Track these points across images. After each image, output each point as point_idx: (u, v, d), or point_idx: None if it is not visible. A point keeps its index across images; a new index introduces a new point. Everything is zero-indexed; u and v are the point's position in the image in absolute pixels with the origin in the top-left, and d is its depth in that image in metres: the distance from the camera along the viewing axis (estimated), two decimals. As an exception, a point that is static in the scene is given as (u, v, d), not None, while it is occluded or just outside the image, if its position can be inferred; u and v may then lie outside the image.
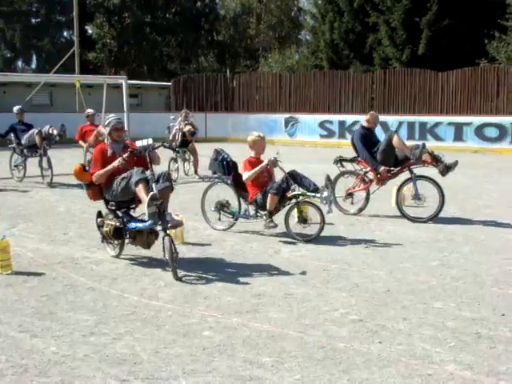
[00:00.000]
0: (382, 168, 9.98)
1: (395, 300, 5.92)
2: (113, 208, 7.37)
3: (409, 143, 10.37)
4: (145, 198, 6.78)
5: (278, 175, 8.81)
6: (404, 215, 9.85)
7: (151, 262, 7.37)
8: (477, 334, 5.03)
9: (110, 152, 7.44)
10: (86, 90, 25.57)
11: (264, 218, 8.67)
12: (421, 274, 6.84)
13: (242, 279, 6.58)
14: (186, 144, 15.67)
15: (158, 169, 7.45)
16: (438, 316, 5.46)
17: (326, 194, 8.26)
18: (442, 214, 9.63)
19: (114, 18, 51.13)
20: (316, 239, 8.36)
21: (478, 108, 26.46)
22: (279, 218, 8.65)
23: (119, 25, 51.05)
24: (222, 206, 9.02)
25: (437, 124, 25.08)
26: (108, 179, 7.29)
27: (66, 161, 18.68)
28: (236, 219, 9.01)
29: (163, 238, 6.73)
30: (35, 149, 14.65)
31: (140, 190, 6.88)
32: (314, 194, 8.40)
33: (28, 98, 20.57)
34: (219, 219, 9.08)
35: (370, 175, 10.28)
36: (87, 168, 7.58)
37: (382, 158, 9.97)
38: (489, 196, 9.43)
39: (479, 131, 24.20)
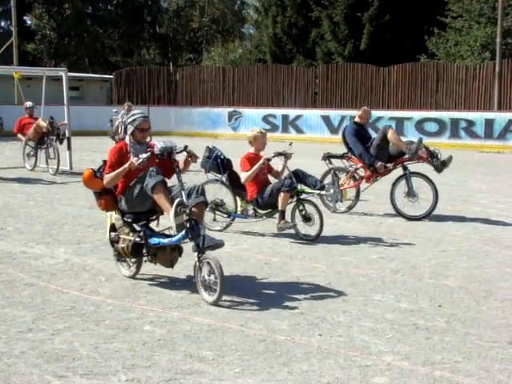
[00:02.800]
0: (379, 163, 9.65)
1: (336, 293, 5.98)
2: (129, 220, 6.29)
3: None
4: (167, 206, 5.76)
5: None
6: (399, 213, 9.62)
7: (91, 257, 7.26)
8: (414, 325, 5.13)
9: (131, 155, 6.18)
10: (25, 82, 25.01)
11: (263, 218, 8.38)
12: (361, 267, 6.93)
13: (183, 273, 6.55)
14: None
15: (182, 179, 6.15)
16: (377, 308, 5.54)
17: (332, 191, 8.02)
18: (383, 208, 9.76)
19: (53, 9, 50.15)
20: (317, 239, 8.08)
21: (418, 103, 26.97)
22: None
23: (59, 16, 50.10)
24: (216, 206, 8.53)
25: (378, 118, 25.40)
26: (124, 186, 6.21)
27: (5, 154, 18.34)
28: (233, 219, 8.59)
29: (199, 261, 5.63)
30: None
31: (160, 197, 5.81)
32: (318, 192, 8.17)
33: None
34: (214, 219, 8.61)
35: (361, 172, 10.04)
36: (98, 174, 6.38)
37: (375, 152, 9.71)
38: (428, 190, 9.60)
39: (419, 126, 24.67)
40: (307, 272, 6.69)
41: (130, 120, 6.34)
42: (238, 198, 8.53)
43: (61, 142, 15.12)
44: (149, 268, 6.55)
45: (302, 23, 34.19)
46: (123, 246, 6.16)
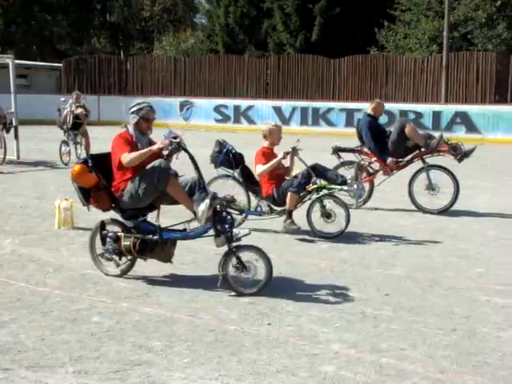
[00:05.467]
0: (390, 159, 9.47)
1: (286, 282, 6.02)
2: (126, 217, 5.98)
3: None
4: (189, 202, 5.66)
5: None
6: (417, 207, 9.48)
7: (39, 248, 7.15)
8: (362, 313, 5.20)
9: (138, 145, 5.92)
10: (-29, 69, 24.41)
11: (279, 215, 8.04)
12: (311, 257, 6.99)
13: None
14: (77, 127, 15.28)
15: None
16: (325, 297, 5.61)
17: (355, 186, 7.75)
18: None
19: (-1, -5, 48.97)
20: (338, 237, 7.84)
21: (368, 94, 27.21)
22: (298, 213, 8.09)
23: (5, 2, 48.88)
24: (227, 203, 8.35)
25: (329, 110, 25.60)
26: (127, 181, 5.85)
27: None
28: (246, 216, 8.12)
29: (227, 254, 5.57)
30: None
31: (179, 193, 5.69)
32: (341, 187, 7.85)
33: None
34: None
35: (376, 166, 9.81)
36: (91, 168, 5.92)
37: (393, 147, 9.46)
38: (379, 180, 9.71)
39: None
40: (257, 262, 6.70)
41: (135, 109, 6.01)
42: (251, 194, 8.21)
43: (7, 131, 14.85)
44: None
45: (254, 14, 34.16)
46: (127, 243, 5.82)
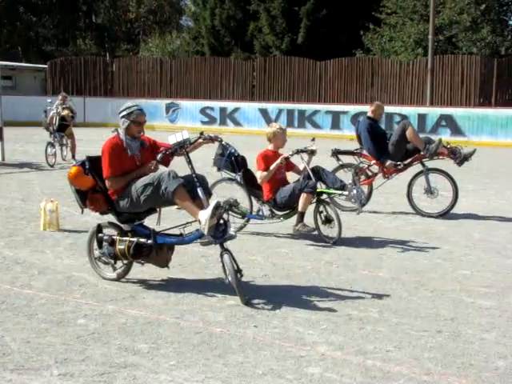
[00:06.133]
0: (389, 162, 9.46)
1: (272, 284, 6.03)
2: (122, 220, 5.90)
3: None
4: (194, 210, 5.45)
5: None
6: (416, 210, 9.51)
7: (24, 250, 7.11)
8: (348, 315, 5.21)
9: (128, 151, 5.85)
10: (-45, 70, 24.26)
11: (280, 220, 7.94)
12: (296, 259, 7.00)
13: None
14: (63, 128, 15.26)
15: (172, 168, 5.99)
16: (312, 299, 5.61)
17: (355, 191, 7.63)
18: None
19: (-16, -4, 48.71)
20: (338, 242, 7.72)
21: (354, 97, 27.36)
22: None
23: (-10, 3, 48.71)
24: (230, 206, 7.82)
25: (315, 112, 25.70)
26: (126, 185, 5.80)
27: None
28: (247, 220, 8.08)
29: (221, 255, 5.51)
30: None
31: (184, 201, 5.50)
32: (340, 192, 7.77)
33: None
34: (228, 220, 8.16)
35: (374, 169, 9.79)
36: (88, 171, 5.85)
37: (393, 150, 9.45)
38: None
39: (355, 119, 24.96)
40: (243, 264, 6.67)
41: (124, 113, 5.84)
42: (253, 198, 8.10)
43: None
44: (85, 262, 6.46)
45: (240, 16, 34.21)
46: (122, 247, 5.72)
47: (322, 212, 7.74)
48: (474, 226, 8.88)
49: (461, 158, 9.40)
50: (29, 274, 6.24)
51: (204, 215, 5.34)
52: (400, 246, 7.67)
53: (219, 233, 5.49)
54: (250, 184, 8.06)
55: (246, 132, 25.85)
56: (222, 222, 5.50)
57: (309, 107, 26.16)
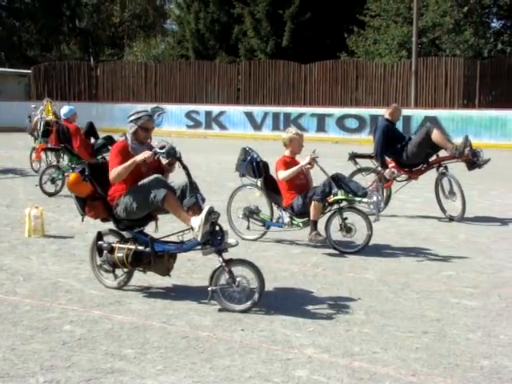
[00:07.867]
0: (388, 170, 9.32)
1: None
2: (122, 228, 5.84)
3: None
4: (184, 216, 5.44)
5: (317, 179, 8.11)
6: (443, 211, 9.48)
7: (9, 256, 7.07)
8: (334, 317, 5.23)
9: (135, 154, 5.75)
10: None
11: (300, 227, 7.73)
12: (283, 262, 7.01)
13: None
14: (48, 134, 15.16)
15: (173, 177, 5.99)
16: (298, 302, 5.63)
17: (375, 198, 7.48)
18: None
19: (-34, 0, 48.40)
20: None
21: (338, 99, 27.44)
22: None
23: (-28, 8, 48.40)
24: (251, 213, 7.87)
25: (300, 115, 25.75)
26: (122, 192, 5.72)
27: None
28: (267, 228, 7.94)
29: (219, 268, 5.42)
30: None
31: (173, 207, 5.48)
32: (360, 199, 7.53)
33: None
34: (248, 228, 7.93)
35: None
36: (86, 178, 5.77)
37: (414, 151, 9.34)
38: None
39: (340, 122, 25.10)
40: (230, 268, 6.70)
41: (133, 118, 5.86)
42: (273, 205, 7.97)
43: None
44: (71, 267, 6.44)
45: (225, 19, 34.20)
46: (120, 255, 5.65)
47: (344, 219, 7.49)
48: (458, 227, 8.93)
49: (477, 162, 9.33)
50: (14, 280, 6.21)
51: (197, 221, 5.31)
52: (386, 248, 7.70)
53: (217, 240, 5.43)
54: (270, 190, 7.93)
55: (232, 135, 25.84)
56: (218, 228, 5.45)
57: (294, 110, 26.21)
